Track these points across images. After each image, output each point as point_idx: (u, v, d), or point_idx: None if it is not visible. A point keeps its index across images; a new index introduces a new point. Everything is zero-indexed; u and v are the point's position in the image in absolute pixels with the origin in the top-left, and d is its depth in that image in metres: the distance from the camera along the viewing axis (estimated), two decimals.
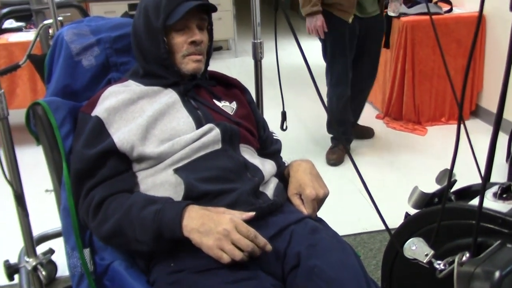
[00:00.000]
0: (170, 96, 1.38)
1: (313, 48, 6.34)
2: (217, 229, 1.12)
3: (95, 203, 1.24)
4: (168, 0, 1.35)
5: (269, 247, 1.15)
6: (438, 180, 0.88)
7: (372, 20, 3.08)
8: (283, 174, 1.48)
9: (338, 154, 3.28)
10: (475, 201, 0.81)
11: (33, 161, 2.45)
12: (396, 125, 3.77)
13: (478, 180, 0.79)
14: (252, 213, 1.20)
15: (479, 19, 0.68)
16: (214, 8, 1.42)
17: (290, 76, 4.88)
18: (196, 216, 1.15)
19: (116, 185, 1.26)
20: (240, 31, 6.18)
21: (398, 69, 3.66)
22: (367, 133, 3.61)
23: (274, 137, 1.62)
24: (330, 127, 3.36)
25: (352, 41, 3.07)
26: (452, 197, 0.86)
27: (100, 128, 1.29)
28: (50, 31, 2.15)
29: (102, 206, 1.24)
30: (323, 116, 3.98)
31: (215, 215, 1.16)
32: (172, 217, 1.15)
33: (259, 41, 1.79)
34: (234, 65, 5.74)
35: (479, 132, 3.59)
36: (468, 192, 0.86)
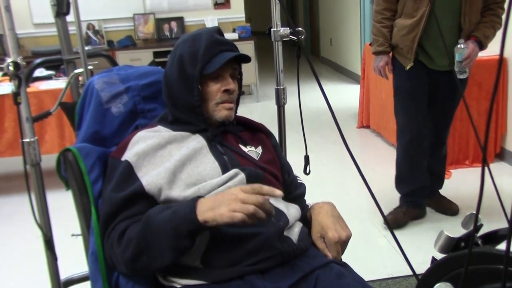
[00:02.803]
0: (197, 141, 1.41)
1: (335, 92, 6.43)
2: (225, 198, 1.17)
3: (119, 233, 1.27)
4: (206, 50, 1.39)
5: (278, 192, 1.19)
6: (464, 224, 0.88)
7: (443, 75, 2.70)
8: (305, 217, 1.49)
9: (395, 214, 2.94)
10: (502, 246, 0.81)
11: (59, 206, 2.50)
12: None
13: (505, 224, 0.79)
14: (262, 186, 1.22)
15: (500, 62, 0.70)
16: (248, 59, 1.47)
17: (311, 120, 4.92)
18: (207, 200, 1.21)
19: (139, 218, 1.28)
20: (261, 76, 6.29)
21: None
22: (449, 209, 3.06)
23: (298, 181, 1.63)
24: (397, 184, 3.00)
25: (416, 91, 2.75)
26: (479, 242, 0.86)
27: (129, 172, 1.33)
28: (80, 79, 2.24)
29: (125, 233, 1.26)
30: (345, 159, 3.99)
31: (221, 193, 1.21)
32: (187, 210, 1.19)
33: (282, 87, 1.83)
34: (256, 110, 5.82)
35: (505, 174, 3.55)
36: (495, 236, 0.85)
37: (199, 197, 1.23)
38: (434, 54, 2.66)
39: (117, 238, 1.27)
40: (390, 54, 2.80)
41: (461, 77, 2.59)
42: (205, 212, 1.17)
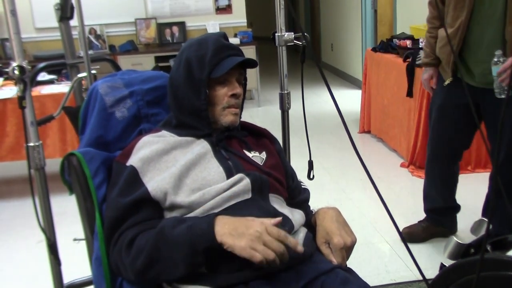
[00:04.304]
0: (202, 146, 1.41)
1: (336, 97, 6.43)
2: (249, 231, 1.17)
3: (127, 241, 1.26)
4: (214, 54, 1.40)
5: (300, 248, 1.20)
6: (473, 230, 0.87)
7: (488, 93, 2.27)
8: (310, 222, 1.48)
9: (412, 228, 2.80)
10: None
11: (60, 210, 2.49)
12: (422, 173, 3.73)
13: None
14: (279, 218, 1.24)
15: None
16: (255, 64, 1.47)
17: (312, 125, 4.92)
18: (228, 222, 1.20)
19: (147, 225, 1.28)
20: (262, 81, 6.29)
21: (422, 118, 3.65)
22: None
23: (302, 186, 1.63)
24: (423, 198, 2.83)
25: (447, 110, 2.50)
26: (488, 248, 0.85)
27: (134, 177, 1.32)
28: (83, 83, 2.24)
29: (135, 242, 1.26)
30: (346, 164, 3.99)
31: (245, 221, 1.20)
32: (205, 227, 1.19)
33: (286, 92, 1.83)
34: (257, 115, 5.82)
35: None
36: (504, 243, 0.85)
37: (216, 214, 1.23)
38: (475, 68, 2.33)
39: (126, 246, 1.26)
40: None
41: (501, 96, 2.19)
42: (224, 235, 1.17)
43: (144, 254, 1.22)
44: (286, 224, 1.33)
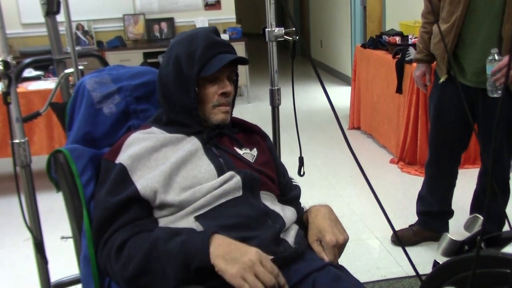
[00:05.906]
0: (192, 143, 1.39)
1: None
2: (242, 258, 1.13)
3: (117, 245, 1.23)
4: (204, 51, 1.37)
5: None
6: (467, 227, 0.87)
7: (481, 93, 2.25)
8: (301, 219, 1.47)
9: (403, 232, 2.72)
10: (507, 249, 0.80)
11: (47, 208, 2.46)
12: (411, 169, 3.75)
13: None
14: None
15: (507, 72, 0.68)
16: (246, 62, 1.44)
17: (302, 121, 4.90)
18: (223, 244, 1.16)
19: (137, 228, 1.26)
20: (252, 77, 6.28)
21: (412, 114, 3.66)
22: None
23: (293, 183, 1.61)
24: (417, 200, 2.76)
25: (442, 109, 2.43)
26: (482, 245, 0.85)
27: (123, 176, 1.30)
28: (70, 79, 2.20)
29: (125, 247, 1.23)
30: (336, 160, 3.99)
31: (241, 246, 1.17)
32: (200, 245, 1.16)
33: (276, 87, 1.82)
34: (247, 111, 5.80)
35: None
36: (498, 240, 0.84)
37: (213, 232, 1.19)
38: (468, 67, 2.28)
39: (115, 250, 1.23)
40: (433, 64, 2.51)
41: (494, 95, 2.15)
42: (217, 257, 1.14)
43: (135, 264, 1.19)
44: (277, 222, 1.32)
